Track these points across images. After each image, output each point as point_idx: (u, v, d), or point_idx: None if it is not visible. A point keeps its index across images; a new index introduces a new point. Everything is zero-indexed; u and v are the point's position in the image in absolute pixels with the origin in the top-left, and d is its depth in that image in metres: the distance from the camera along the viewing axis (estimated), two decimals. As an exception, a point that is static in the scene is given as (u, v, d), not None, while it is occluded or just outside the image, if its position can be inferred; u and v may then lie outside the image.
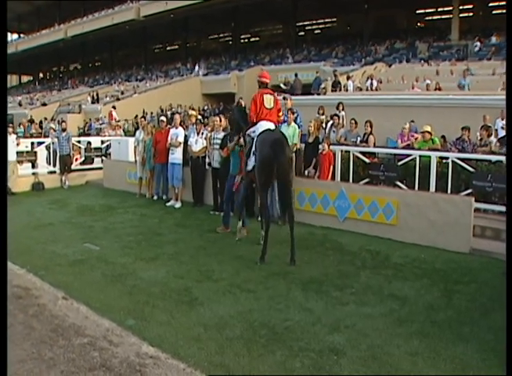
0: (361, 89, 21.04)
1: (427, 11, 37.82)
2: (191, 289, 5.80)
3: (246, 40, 48.28)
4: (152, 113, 29.68)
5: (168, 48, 55.27)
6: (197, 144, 10.67)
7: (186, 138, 11.19)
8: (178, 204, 10.98)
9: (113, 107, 26.93)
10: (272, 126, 7.69)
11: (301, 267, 6.65)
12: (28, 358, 4.25)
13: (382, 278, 6.23)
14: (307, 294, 5.67)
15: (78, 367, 4.06)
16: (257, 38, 48.26)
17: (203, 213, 10.14)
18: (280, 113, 8.21)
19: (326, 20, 43.03)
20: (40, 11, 57.67)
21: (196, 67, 40.31)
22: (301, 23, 42.17)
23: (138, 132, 12.87)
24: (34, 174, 14.28)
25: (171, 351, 4.30)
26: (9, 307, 5.34)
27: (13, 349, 4.39)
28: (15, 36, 67.56)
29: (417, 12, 38.33)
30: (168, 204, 11.11)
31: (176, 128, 11.34)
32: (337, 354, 4.25)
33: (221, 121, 10.54)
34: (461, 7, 32.40)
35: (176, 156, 11.06)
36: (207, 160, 10.75)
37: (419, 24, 38.95)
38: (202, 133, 10.71)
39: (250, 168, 7.59)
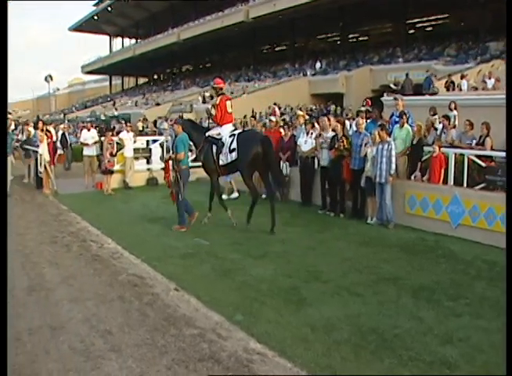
0: (476, 89, 19.86)
1: (554, 1, 34.88)
2: (299, 289, 5.81)
3: (354, 39, 47.46)
4: (261, 112, 30.13)
5: (276, 48, 55.76)
6: (306, 144, 10.73)
7: (296, 138, 11.29)
8: (225, 196, 11.58)
9: (274, 104, 27.55)
10: (232, 127, 9.32)
11: (411, 273, 6.44)
12: (143, 343, 4.49)
13: (499, 291, 5.81)
14: (418, 301, 5.47)
15: (188, 357, 4.23)
16: (366, 37, 47.21)
17: (311, 213, 10.14)
18: None
19: (438, 17, 41.08)
20: (155, 17, 60.94)
21: (318, 64, 40.32)
22: (411, 21, 40.72)
23: (247, 132, 13.11)
24: (148, 170, 15.07)
25: (279, 349, 4.33)
26: (125, 294, 5.72)
27: (130, 333, 4.68)
28: (133, 41, 71.73)
29: (542, 3, 35.52)
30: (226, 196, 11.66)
31: None
32: (450, 367, 4.07)
33: (329, 120, 10.51)
34: None
35: None
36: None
37: (544, 16, 36.00)
38: (311, 133, 10.74)
39: (224, 162, 8.88)
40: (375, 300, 5.51)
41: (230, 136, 8.91)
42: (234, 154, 8.77)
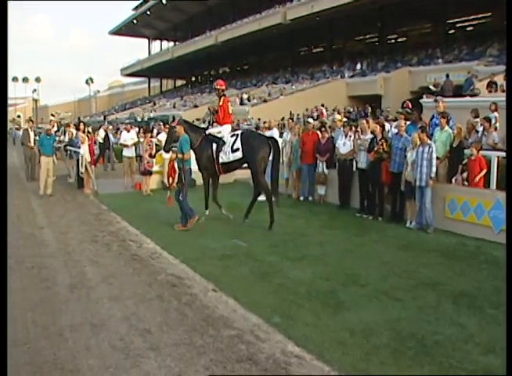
0: (521, 89, 19.27)
1: None
2: (337, 292, 5.77)
3: (393, 40, 46.84)
4: (298, 114, 30.06)
5: (314, 50, 55.54)
6: (345, 146, 10.65)
7: (334, 140, 11.26)
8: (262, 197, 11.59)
9: (322, 105, 27.46)
10: (231, 128, 9.94)
11: (452, 279, 6.30)
12: (181, 343, 4.53)
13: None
14: (458, 308, 5.35)
15: (226, 358, 4.24)
16: (405, 38, 46.49)
17: (348, 216, 10.08)
18: None
19: (480, 16, 39.98)
20: (193, 20, 61.63)
21: (358, 65, 40.07)
22: (451, 21, 39.83)
23: (285, 133, 13.12)
24: (187, 171, 15.17)
25: (316, 353, 4.30)
26: (164, 294, 5.78)
27: (168, 333, 4.73)
28: (171, 44, 72.69)
29: None
30: (259, 198, 11.42)
31: (271, 129, 12.43)
32: (492, 377, 3.95)
33: (368, 123, 10.43)
34: None
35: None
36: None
37: None
38: (350, 136, 10.67)
39: (224, 160, 9.36)
40: (414, 305, 5.42)
41: (232, 136, 9.44)
42: (238, 154, 9.27)
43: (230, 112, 9.95)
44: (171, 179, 9.35)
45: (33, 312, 5.30)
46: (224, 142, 9.40)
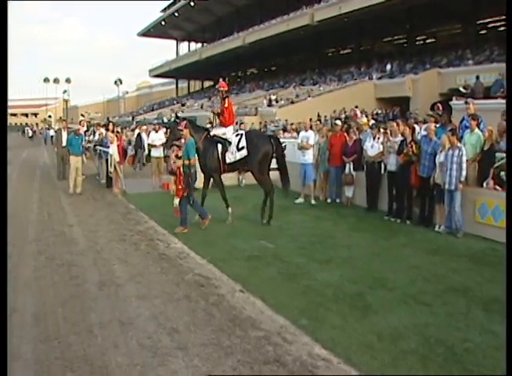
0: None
1: None
2: (364, 295, 5.73)
3: (421, 41, 46.25)
4: (325, 116, 29.93)
5: (341, 51, 55.19)
6: (373, 149, 10.57)
7: (362, 142, 11.18)
8: (312, 201, 11.80)
9: (356, 107, 27.34)
10: (233, 128, 10.19)
11: (481, 285, 6.19)
12: (209, 343, 4.54)
13: None
14: (489, 315, 5.24)
15: (253, 359, 4.24)
16: (434, 39, 45.85)
17: (376, 218, 10.00)
18: None
19: (513, 15, 39.06)
20: (221, 21, 61.93)
21: (388, 66, 39.70)
22: (482, 21, 39.09)
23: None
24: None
25: (344, 356, 4.27)
26: (192, 293, 5.81)
27: (196, 333, 4.75)
28: (199, 45, 73.16)
29: None
30: (297, 201, 11.79)
31: (306, 131, 12.24)
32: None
33: (398, 125, 10.33)
34: None
35: (307, 157, 11.88)
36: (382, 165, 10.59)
37: None
38: (378, 138, 10.58)
39: (231, 160, 9.55)
40: (443, 311, 5.34)
41: (236, 135, 9.69)
42: (244, 152, 9.48)
43: (234, 113, 10.18)
44: (180, 187, 9.14)
45: (63, 308, 5.40)
46: (230, 143, 9.59)
